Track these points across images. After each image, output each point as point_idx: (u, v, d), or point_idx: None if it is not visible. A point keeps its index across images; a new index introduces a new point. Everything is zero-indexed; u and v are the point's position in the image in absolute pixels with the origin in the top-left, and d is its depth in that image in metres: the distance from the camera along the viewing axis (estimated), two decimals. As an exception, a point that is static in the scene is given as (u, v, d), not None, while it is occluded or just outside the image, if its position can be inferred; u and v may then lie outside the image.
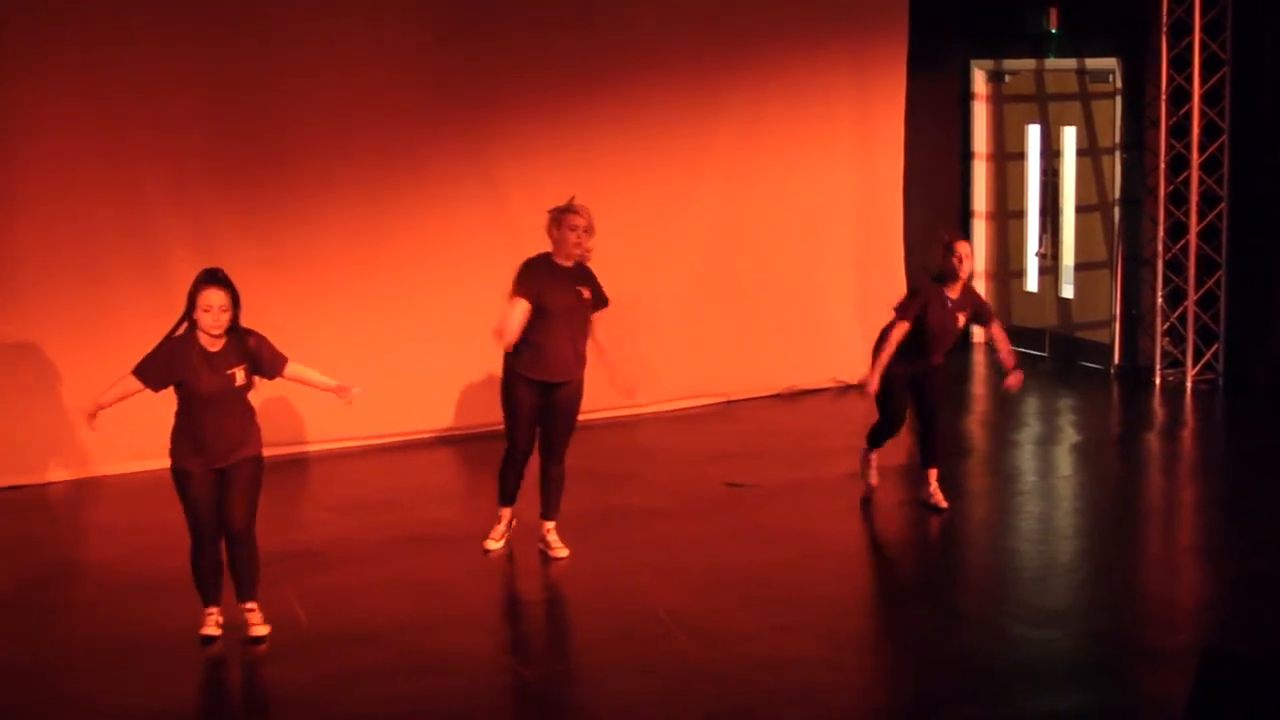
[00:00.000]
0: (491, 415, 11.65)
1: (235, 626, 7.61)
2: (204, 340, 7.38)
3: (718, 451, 11.17)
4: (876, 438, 9.91)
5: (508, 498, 8.92)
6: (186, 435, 7.52)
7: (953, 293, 9.33)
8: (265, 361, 7.55)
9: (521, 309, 8.41)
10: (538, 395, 8.59)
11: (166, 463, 10.50)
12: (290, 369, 7.65)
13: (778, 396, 12.80)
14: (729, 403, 12.59)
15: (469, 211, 11.59)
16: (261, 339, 7.55)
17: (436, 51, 11.33)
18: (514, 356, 8.57)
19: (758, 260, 12.69)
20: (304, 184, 11.06)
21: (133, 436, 10.59)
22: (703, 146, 12.37)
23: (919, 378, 9.52)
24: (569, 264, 8.57)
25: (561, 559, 8.72)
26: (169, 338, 7.46)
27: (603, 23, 11.92)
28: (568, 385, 8.63)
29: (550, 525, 8.86)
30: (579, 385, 8.70)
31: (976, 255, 14.71)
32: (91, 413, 7.59)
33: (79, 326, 10.46)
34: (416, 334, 11.47)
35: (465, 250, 11.57)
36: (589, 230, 8.56)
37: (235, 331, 7.44)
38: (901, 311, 9.40)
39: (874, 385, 9.37)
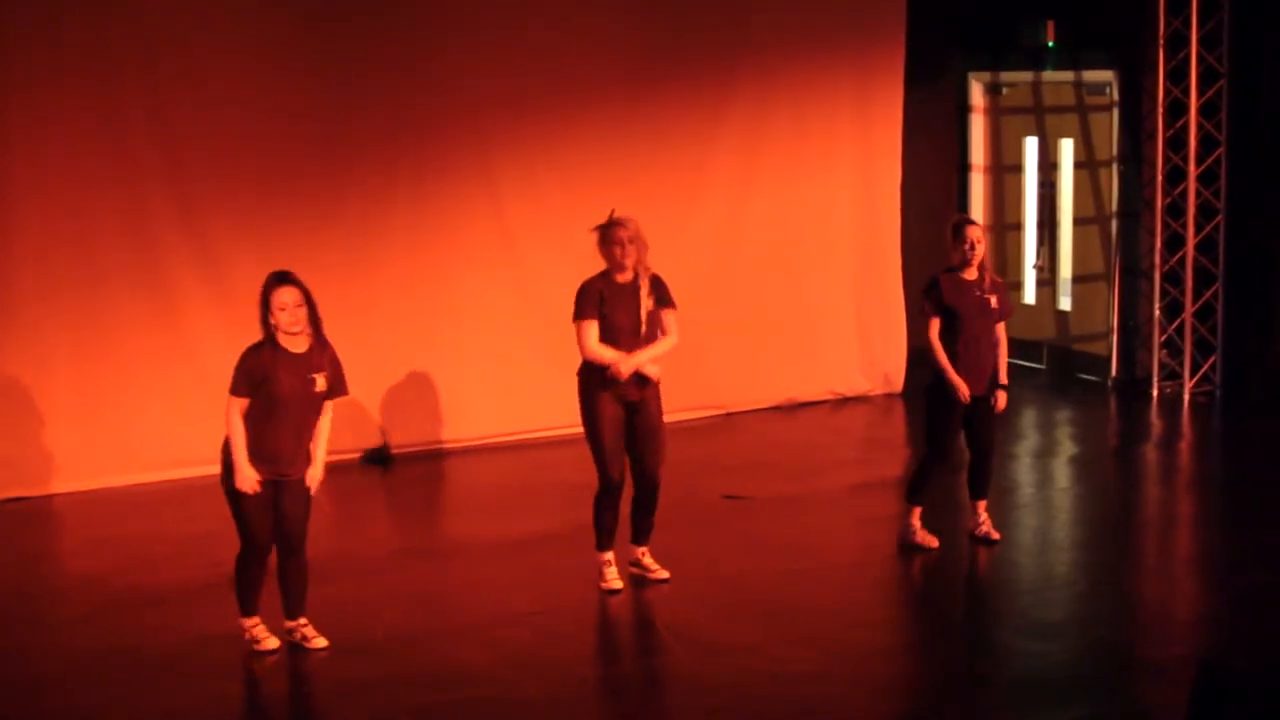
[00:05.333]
0: (487, 428, 11.76)
1: (230, 638, 7.65)
2: (285, 342, 7.30)
3: (716, 463, 11.20)
4: (918, 485, 9.23)
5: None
6: (255, 441, 7.32)
7: (969, 275, 8.94)
8: (332, 379, 7.44)
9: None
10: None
11: (171, 474, 10.72)
12: (329, 409, 7.52)
13: (776, 409, 12.83)
14: (728, 415, 12.61)
15: (471, 225, 11.62)
16: (336, 358, 7.48)
17: (439, 63, 11.37)
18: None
19: (756, 273, 12.71)
20: (306, 196, 11.09)
21: (137, 447, 10.67)
22: (703, 160, 12.41)
23: (971, 409, 9.01)
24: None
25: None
26: (248, 349, 7.36)
27: (604, 37, 11.95)
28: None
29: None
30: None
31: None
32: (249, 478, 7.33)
33: (79, 337, 10.49)
34: (417, 346, 11.49)
35: (467, 264, 11.61)
36: (634, 240, 8.21)
37: (318, 337, 7.40)
38: (929, 308, 9.00)
39: (963, 386, 8.85)
